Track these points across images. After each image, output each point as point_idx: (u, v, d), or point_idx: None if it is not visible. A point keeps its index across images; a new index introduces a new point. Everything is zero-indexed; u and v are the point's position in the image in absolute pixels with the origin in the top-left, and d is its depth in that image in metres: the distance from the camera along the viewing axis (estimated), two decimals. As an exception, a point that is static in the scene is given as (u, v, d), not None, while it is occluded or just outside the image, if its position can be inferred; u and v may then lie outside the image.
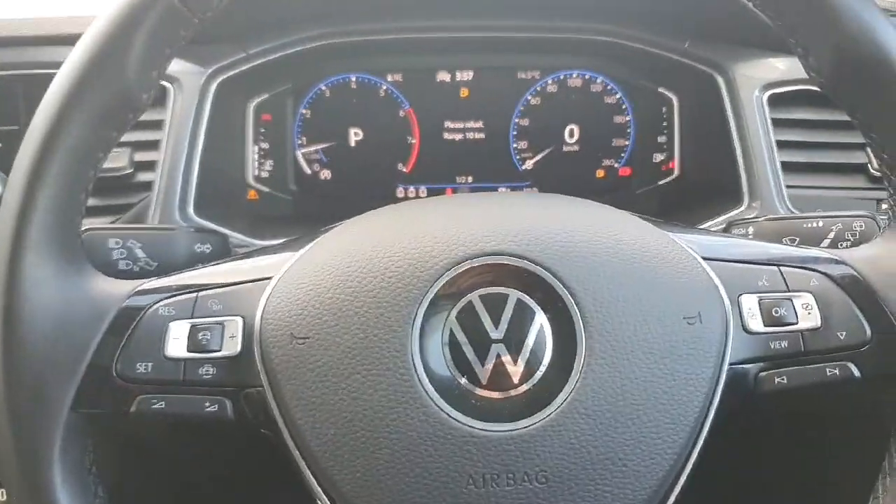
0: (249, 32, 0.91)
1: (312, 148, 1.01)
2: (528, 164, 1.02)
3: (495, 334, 0.51)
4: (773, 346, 0.54)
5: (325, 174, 1.02)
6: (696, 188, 0.98)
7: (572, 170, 1.02)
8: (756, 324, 0.54)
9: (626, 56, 0.97)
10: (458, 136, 1.01)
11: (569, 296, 0.51)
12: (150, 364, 0.53)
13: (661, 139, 1.01)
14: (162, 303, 0.54)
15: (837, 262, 0.56)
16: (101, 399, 0.52)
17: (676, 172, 1.01)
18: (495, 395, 0.50)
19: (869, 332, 0.53)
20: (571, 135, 1.02)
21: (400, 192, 1.03)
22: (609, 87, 1.01)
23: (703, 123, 0.95)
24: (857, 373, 0.53)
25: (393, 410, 0.49)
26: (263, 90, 0.99)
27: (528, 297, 0.51)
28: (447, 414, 0.49)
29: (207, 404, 0.53)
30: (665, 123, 1.01)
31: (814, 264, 0.56)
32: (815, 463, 0.76)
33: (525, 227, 0.53)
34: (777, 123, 0.87)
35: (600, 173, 1.03)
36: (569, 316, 0.51)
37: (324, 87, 1.00)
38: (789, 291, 0.55)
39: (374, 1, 0.93)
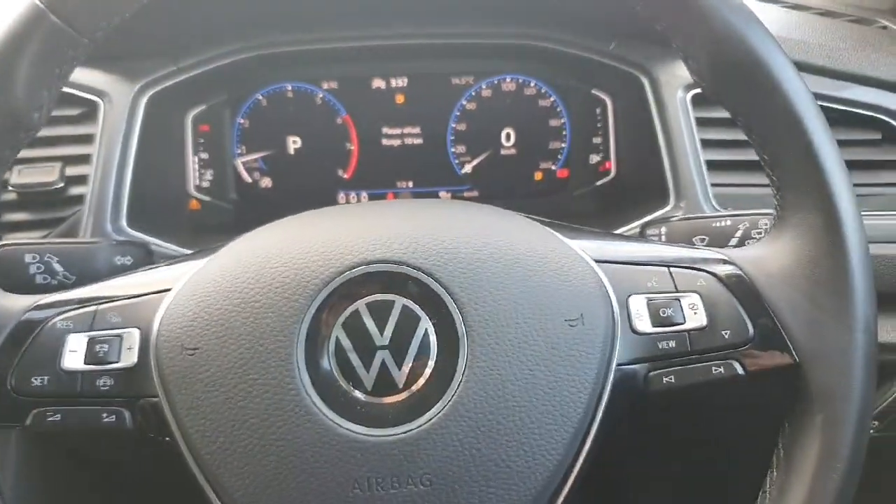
0: (179, 45, 0.92)
1: (252, 157, 1.02)
2: (467, 168, 1.03)
3: (380, 341, 0.52)
4: (661, 347, 0.55)
5: (266, 182, 1.03)
6: (632, 188, 0.99)
7: (510, 173, 1.04)
8: (644, 324, 0.55)
9: (558, 59, 0.98)
10: (397, 142, 1.02)
11: (451, 300, 0.52)
12: (46, 377, 0.54)
13: (597, 140, 1.02)
14: (60, 317, 0.55)
15: (725, 261, 0.57)
16: None
17: (613, 173, 1.02)
18: (380, 400, 0.51)
19: (752, 330, 0.55)
20: (508, 138, 1.03)
21: (341, 198, 1.04)
22: (543, 91, 1.02)
23: (634, 124, 0.96)
24: (740, 370, 0.54)
25: (279, 418, 0.50)
26: (200, 101, 1.00)
27: (413, 304, 0.52)
28: (332, 421, 0.50)
29: (105, 415, 0.54)
30: (600, 125, 1.02)
31: (702, 265, 0.57)
32: (709, 459, 0.77)
33: (410, 234, 0.54)
34: (701, 122, 0.88)
35: (538, 175, 1.04)
36: (451, 320, 0.52)
37: (260, 97, 1.01)
38: (677, 292, 0.56)
39: (304, 10, 0.94)
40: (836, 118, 0.87)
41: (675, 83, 0.89)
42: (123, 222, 0.87)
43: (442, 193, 1.04)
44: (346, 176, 1.03)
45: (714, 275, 0.56)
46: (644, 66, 0.91)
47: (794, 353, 0.54)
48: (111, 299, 0.57)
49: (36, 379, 0.53)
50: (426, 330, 0.52)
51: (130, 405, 0.54)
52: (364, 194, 1.04)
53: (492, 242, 0.54)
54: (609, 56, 0.93)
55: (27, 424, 0.53)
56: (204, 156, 1.01)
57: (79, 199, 0.86)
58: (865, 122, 0.87)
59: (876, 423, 0.89)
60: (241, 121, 1.01)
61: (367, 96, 1.01)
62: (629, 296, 0.56)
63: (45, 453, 0.64)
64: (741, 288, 0.56)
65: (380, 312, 0.52)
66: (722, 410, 0.61)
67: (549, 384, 0.51)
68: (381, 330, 0.52)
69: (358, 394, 0.51)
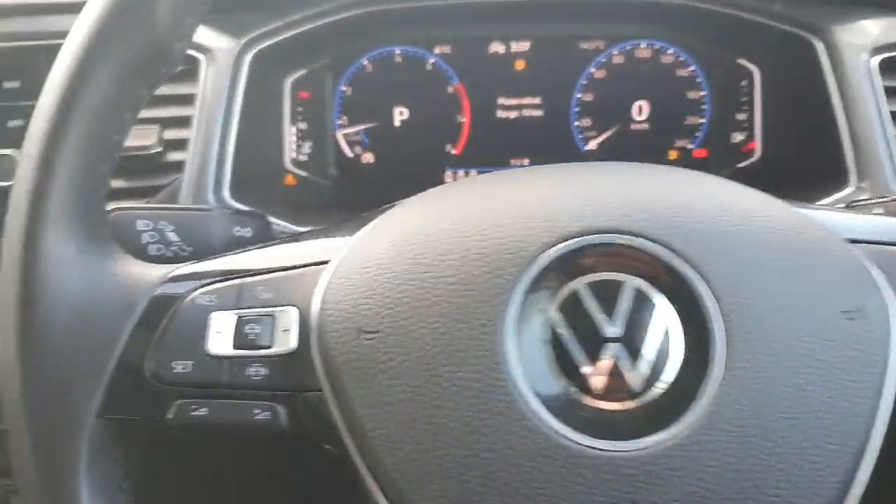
0: (286, -1, 0.82)
1: (354, 129, 0.93)
2: (592, 145, 0.93)
3: (610, 331, 0.41)
4: None
5: (368, 157, 0.93)
6: (782, 171, 0.88)
7: (641, 151, 0.93)
8: None
9: (702, 23, 0.87)
10: (513, 114, 0.92)
11: (703, 283, 0.41)
12: (189, 363, 0.44)
13: (741, 117, 0.91)
14: (201, 290, 0.45)
15: None
16: (132, 404, 0.44)
17: (758, 153, 0.91)
18: (611, 405, 0.41)
19: None
20: (640, 112, 0.92)
21: (448, 177, 0.94)
22: (682, 59, 0.91)
23: (794, 97, 0.85)
24: None
25: (485, 423, 0.40)
26: (301, 65, 0.90)
27: (648, 285, 0.42)
28: (553, 429, 0.40)
29: (258, 411, 0.44)
30: (745, 99, 0.91)
31: None
32: None
33: (641, 200, 0.44)
34: (891, 92, 0.77)
35: (672, 155, 0.93)
36: (703, 308, 0.41)
37: (366, 62, 0.91)
38: None
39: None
40: None
41: (859, 46, 0.77)
42: (226, 193, 0.77)
43: (562, 173, 0.93)
44: (454, 151, 0.93)
45: None
46: (818, 26, 0.80)
47: None
48: (257, 272, 0.47)
49: (178, 364, 0.44)
50: (667, 319, 0.42)
51: (287, 399, 0.44)
52: (473, 172, 0.94)
53: (737, 215, 0.44)
54: (773, 16, 0.82)
55: (169, 418, 0.44)
56: (302, 126, 0.92)
57: (178, 166, 0.77)
58: None
59: None
60: (344, 88, 0.92)
61: (484, 62, 0.91)
62: None
63: (179, 449, 0.54)
64: None
65: (606, 295, 0.42)
66: None
67: (825, 392, 0.41)
68: (610, 317, 0.41)
69: (583, 397, 0.41)
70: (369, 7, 0.86)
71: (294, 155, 0.92)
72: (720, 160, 0.93)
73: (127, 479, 0.45)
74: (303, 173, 0.92)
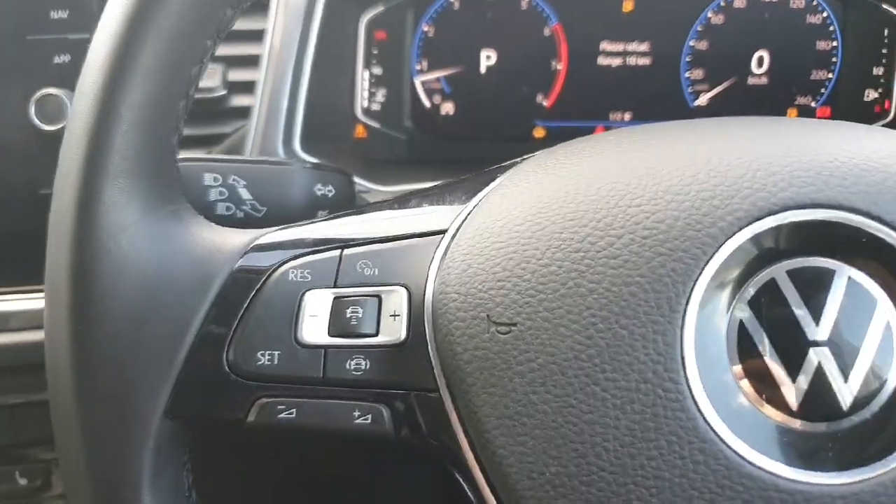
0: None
1: (434, 75, 0.83)
2: (702, 100, 0.82)
3: (815, 333, 0.32)
4: None
5: (448, 108, 0.84)
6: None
7: (757, 108, 0.82)
8: None
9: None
10: (617, 62, 0.81)
11: None
12: (276, 353, 0.36)
13: (878, 71, 0.79)
14: (292, 263, 0.37)
15: None
16: (207, 401, 0.36)
17: (893, 114, 0.80)
18: (814, 427, 0.32)
19: None
20: (760, 63, 0.80)
21: (538, 132, 0.84)
22: (814, 3, 0.79)
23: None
24: None
25: (653, 444, 0.31)
26: (378, 0, 0.80)
27: (867, 277, 0.33)
28: (739, 454, 0.31)
29: (357, 413, 0.36)
30: (885, 51, 0.79)
31: None
32: None
33: (853, 165, 0.34)
34: None
35: (791, 113, 0.82)
36: None
37: (452, -1, 0.81)
38: None
39: None
40: None
41: None
42: (297, 144, 0.69)
43: (666, 131, 0.83)
44: (546, 103, 0.83)
45: None
46: None
47: None
48: (357, 242, 0.39)
49: (263, 355, 0.36)
50: (888, 321, 0.32)
51: (394, 400, 0.36)
52: (567, 127, 0.84)
53: None
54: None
55: (250, 420, 0.36)
56: (377, 71, 0.82)
57: (243, 112, 0.68)
58: None
59: None
60: (426, 28, 0.82)
61: (586, 1, 0.80)
62: None
63: (260, 454, 0.47)
64: None
65: (812, 287, 0.33)
66: None
67: None
68: (816, 316, 0.32)
69: (778, 413, 0.32)
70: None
71: (366, 104, 0.83)
72: (847, 120, 0.81)
73: (197, 489, 0.38)
74: (375, 124, 0.83)
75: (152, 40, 0.34)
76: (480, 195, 0.39)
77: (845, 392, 0.32)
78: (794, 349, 0.32)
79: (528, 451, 0.33)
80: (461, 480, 0.35)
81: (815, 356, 0.32)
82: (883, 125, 0.80)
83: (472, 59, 0.82)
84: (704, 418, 0.31)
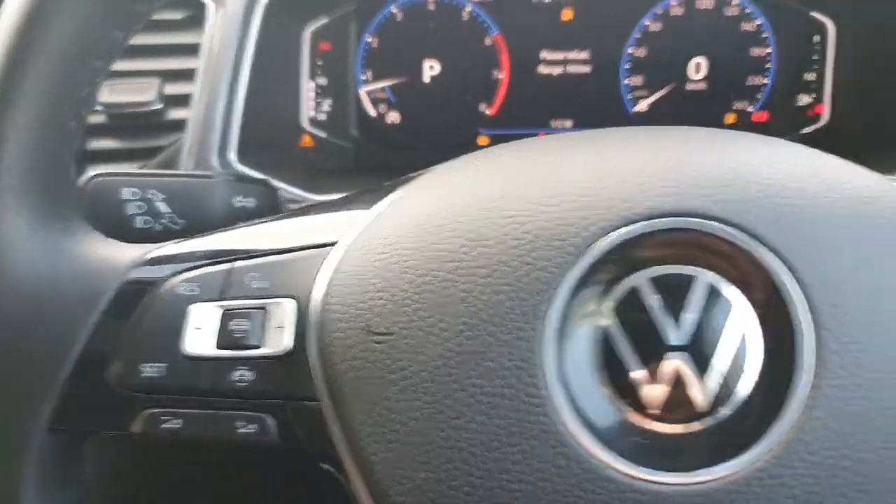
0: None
1: (379, 85, 0.84)
2: (642, 106, 0.83)
3: (675, 337, 0.33)
4: None
5: (393, 117, 0.85)
6: (851, 138, 0.78)
7: (695, 113, 0.83)
8: None
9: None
10: (557, 70, 0.83)
11: (793, 281, 0.33)
12: (162, 365, 0.37)
13: (810, 77, 0.81)
14: (182, 276, 0.38)
15: None
16: (92, 414, 0.37)
17: (826, 118, 0.81)
18: (670, 428, 0.33)
19: None
20: (697, 70, 0.82)
21: (482, 140, 0.85)
22: (748, 11, 0.81)
23: (875, 55, 0.74)
24: None
25: (516, 450, 0.33)
26: (322, 12, 0.81)
27: (726, 282, 0.34)
28: (598, 457, 0.32)
29: (241, 423, 0.37)
30: (816, 57, 0.80)
31: None
32: None
33: (721, 175, 0.35)
34: None
35: (729, 118, 0.83)
36: (790, 312, 0.33)
37: (394, 10, 0.82)
38: None
39: None
40: None
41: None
42: (233, 156, 0.70)
43: (607, 137, 0.84)
44: (490, 112, 0.84)
45: None
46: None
47: None
48: (248, 254, 0.40)
49: (148, 367, 0.37)
50: (745, 324, 0.33)
51: (277, 410, 0.37)
52: (510, 135, 0.85)
53: (851, 197, 0.35)
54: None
55: (136, 432, 0.37)
56: (322, 81, 0.83)
57: (179, 125, 0.69)
58: None
59: None
60: (370, 39, 0.83)
61: (526, 11, 0.81)
62: None
63: (149, 465, 0.48)
64: None
65: (673, 294, 0.34)
66: None
67: None
68: (676, 321, 0.33)
69: (637, 417, 0.33)
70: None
71: (312, 113, 0.84)
72: (782, 125, 0.82)
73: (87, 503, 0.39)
74: (321, 134, 0.84)
75: (38, 62, 0.35)
76: (377, 206, 0.40)
77: (702, 394, 0.33)
78: (653, 354, 0.33)
79: (399, 457, 0.34)
80: (342, 486, 0.36)
81: (674, 360, 0.33)
82: (817, 129, 0.82)
83: (415, 69, 0.83)
84: (566, 423, 0.32)
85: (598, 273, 0.34)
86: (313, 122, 0.84)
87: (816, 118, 0.82)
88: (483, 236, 0.35)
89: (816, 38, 0.80)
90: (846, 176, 0.37)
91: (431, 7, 0.82)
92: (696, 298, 0.33)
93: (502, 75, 0.83)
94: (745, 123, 0.83)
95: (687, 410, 0.33)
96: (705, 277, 0.34)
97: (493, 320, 0.34)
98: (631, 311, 0.34)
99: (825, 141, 0.81)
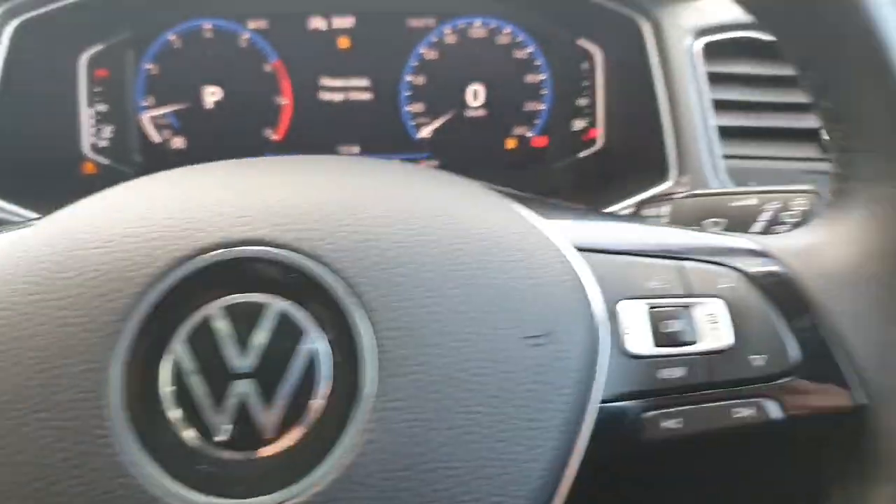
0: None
1: (161, 111, 0.84)
2: (425, 132, 0.85)
3: (243, 365, 0.34)
4: (663, 376, 0.38)
5: (178, 142, 0.85)
6: (623, 161, 0.82)
7: (477, 139, 0.86)
8: (640, 343, 0.38)
9: (539, 0, 0.80)
10: (339, 97, 0.84)
11: (357, 305, 0.34)
12: None
13: (582, 102, 0.84)
14: None
15: (760, 253, 0.40)
16: None
17: (600, 142, 0.85)
18: (235, 455, 0.34)
19: (796, 355, 0.37)
20: (475, 97, 0.84)
21: (272, 165, 0.86)
22: (519, 39, 0.84)
23: (629, 82, 0.78)
24: (778, 413, 0.37)
25: (79, 480, 0.32)
26: (97, 39, 0.81)
27: (297, 309, 0.35)
28: (163, 487, 0.32)
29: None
30: (586, 83, 0.84)
31: (727, 257, 0.40)
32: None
33: (299, 204, 0.36)
34: (714, 79, 0.70)
35: (511, 143, 0.86)
36: (355, 337, 0.34)
37: (172, 37, 0.82)
38: (690, 296, 0.39)
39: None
40: None
41: (683, 29, 0.71)
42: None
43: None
44: (275, 137, 0.85)
45: (744, 273, 0.39)
46: (644, 7, 0.73)
47: (858, 390, 0.37)
48: None
49: None
50: (315, 350, 0.34)
51: None
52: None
53: (421, 222, 0.37)
54: (600, -7, 0.75)
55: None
56: (102, 108, 0.82)
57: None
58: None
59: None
60: (149, 66, 0.82)
61: (303, 39, 0.83)
62: (620, 300, 0.39)
63: None
64: (783, 292, 0.38)
65: (244, 322, 0.34)
66: (748, 468, 0.44)
67: (498, 434, 0.34)
68: (244, 348, 0.34)
69: (204, 445, 0.34)
70: (170, -25, 0.77)
71: (93, 140, 0.83)
72: (560, 149, 0.86)
73: None
74: (104, 161, 0.83)
75: None
76: (8, 235, 0.40)
77: (268, 421, 0.34)
78: (221, 382, 0.34)
79: None
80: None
81: (241, 388, 0.34)
82: (593, 152, 0.85)
83: (197, 95, 0.83)
84: (130, 454, 0.33)
85: (175, 303, 0.34)
86: (95, 148, 0.83)
87: (592, 142, 0.85)
88: (66, 268, 0.35)
89: (585, 66, 0.83)
90: (412, 206, 0.38)
91: (209, 34, 0.82)
92: (266, 325, 0.34)
93: (285, 101, 0.84)
94: (525, 148, 0.86)
95: (255, 437, 0.34)
96: (277, 305, 0.34)
97: (64, 353, 0.33)
98: (202, 340, 0.34)
99: (602, 164, 0.85)
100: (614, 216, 0.45)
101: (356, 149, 0.85)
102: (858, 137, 0.37)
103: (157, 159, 0.85)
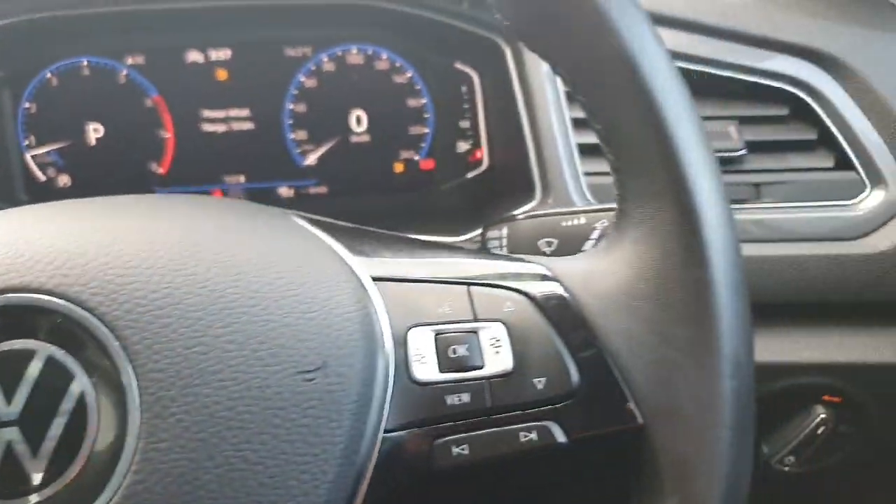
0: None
1: (44, 149, 0.83)
2: (311, 159, 0.86)
3: (6, 413, 0.34)
4: (450, 402, 0.38)
5: (64, 180, 0.84)
6: (504, 181, 0.83)
7: (365, 164, 0.86)
8: (427, 370, 0.39)
9: (411, 25, 0.81)
10: (221, 128, 0.84)
11: (117, 346, 0.34)
12: None
13: (464, 124, 0.85)
14: None
15: (544, 276, 0.41)
16: None
17: (485, 163, 0.86)
18: (4, 504, 0.34)
19: (576, 377, 0.38)
20: (359, 122, 0.85)
21: (160, 199, 0.85)
22: (398, 65, 0.85)
23: (503, 103, 0.79)
24: (560, 437, 0.38)
25: None
26: (-30, 80, 0.80)
27: (65, 354, 0.35)
28: None
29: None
30: (467, 105, 0.85)
31: (516, 281, 0.41)
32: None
33: (64, 249, 0.36)
34: (573, 98, 0.72)
35: (399, 167, 0.87)
36: (118, 379, 0.34)
37: (49, 75, 0.82)
38: (476, 321, 0.40)
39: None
40: (735, 90, 0.72)
41: (540, 50, 0.72)
42: None
43: (282, 189, 0.86)
44: (160, 170, 0.85)
45: (529, 296, 0.40)
46: (504, 30, 0.74)
47: (636, 409, 0.38)
48: None
49: None
50: (82, 395, 0.34)
51: None
52: (184, 193, 0.86)
53: (193, 259, 0.37)
54: (464, 18, 0.76)
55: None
56: (-19, 148, 0.82)
57: None
58: (769, 95, 0.72)
59: (792, 458, 0.74)
60: (27, 105, 0.82)
61: (182, 72, 0.83)
62: (410, 328, 0.39)
63: None
64: (563, 315, 0.39)
65: (10, 369, 0.34)
66: (540, 493, 0.45)
67: (269, 469, 0.34)
68: (10, 396, 0.34)
69: (-30, 496, 0.34)
70: (46, 12, 0.77)
71: (-27, 181, 0.82)
72: (448, 171, 0.87)
73: None
74: (-13, 201, 0.83)
75: None
76: None
77: (35, 468, 0.34)
78: (-13, 431, 0.34)
79: None
80: None
81: (6, 436, 0.34)
82: (481, 173, 0.86)
83: (79, 133, 0.83)
84: None
85: None
86: (-23, 189, 0.82)
87: (478, 163, 0.86)
88: None
89: (465, 88, 0.85)
90: (188, 245, 0.38)
91: (86, 72, 0.82)
92: (32, 372, 0.34)
93: (167, 135, 0.84)
94: (413, 171, 0.87)
95: (22, 485, 0.34)
96: (45, 351, 0.35)
97: None
98: (-29, 390, 0.34)
99: (489, 185, 0.86)
100: (423, 243, 0.45)
101: (241, 178, 0.86)
102: (626, 160, 0.39)
103: (43, 198, 0.83)
